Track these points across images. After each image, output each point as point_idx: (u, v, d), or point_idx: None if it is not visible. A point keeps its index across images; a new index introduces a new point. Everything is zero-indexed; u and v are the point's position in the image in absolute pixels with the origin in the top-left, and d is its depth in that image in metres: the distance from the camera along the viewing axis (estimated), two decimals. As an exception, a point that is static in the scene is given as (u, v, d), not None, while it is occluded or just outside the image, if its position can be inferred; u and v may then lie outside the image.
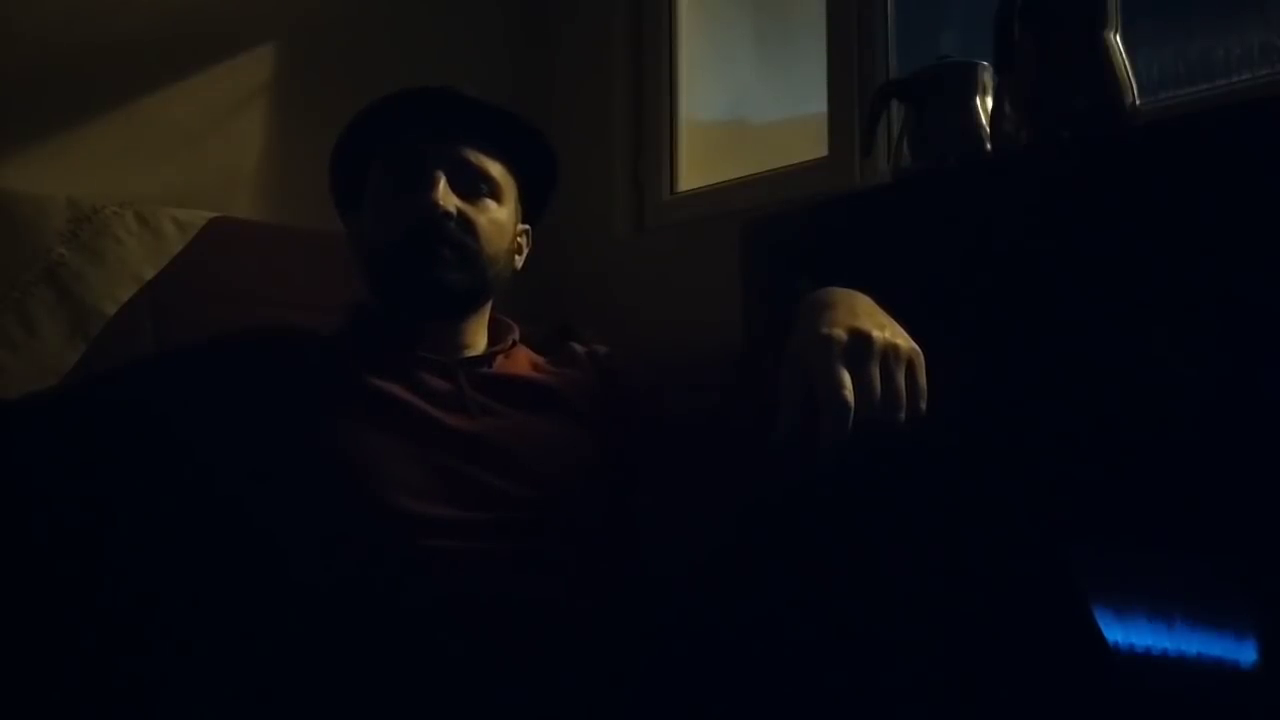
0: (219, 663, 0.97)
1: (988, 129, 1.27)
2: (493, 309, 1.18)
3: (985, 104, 1.29)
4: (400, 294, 1.10)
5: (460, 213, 1.07)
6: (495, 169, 1.12)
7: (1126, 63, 1.15)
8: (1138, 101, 1.15)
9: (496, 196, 1.12)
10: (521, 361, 1.16)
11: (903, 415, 0.78)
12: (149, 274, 1.44)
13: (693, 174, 1.96)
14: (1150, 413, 0.99)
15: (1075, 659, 0.75)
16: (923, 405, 0.80)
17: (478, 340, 1.15)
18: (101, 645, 0.97)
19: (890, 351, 0.80)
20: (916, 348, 0.82)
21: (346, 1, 1.88)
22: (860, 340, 0.79)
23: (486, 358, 1.13)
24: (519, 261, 1.20)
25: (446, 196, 1.06)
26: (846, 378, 0.77)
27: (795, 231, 1.37)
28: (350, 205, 1.16)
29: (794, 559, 0.79)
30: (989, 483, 0.79)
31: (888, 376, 0.79)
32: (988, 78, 1.30)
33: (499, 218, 1.12)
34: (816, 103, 1.72)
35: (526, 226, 1.21)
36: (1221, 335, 0.96)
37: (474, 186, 1.10)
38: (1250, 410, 0.94)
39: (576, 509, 1.04)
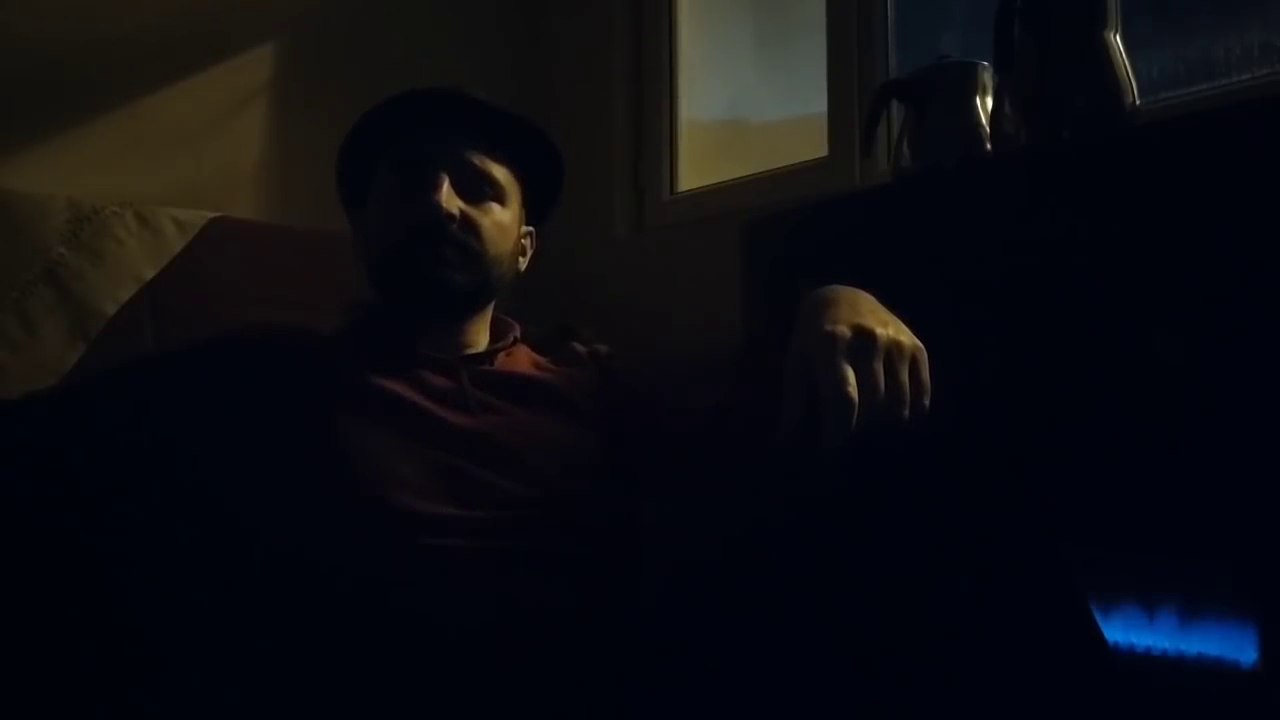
0: (220, 661, 0.97)
1: (988, 129, 1.27)
2: (494, 308, 1.18)
3: (985, 104, 1.29)
4: (404, 293, 1.10)
5: (463, 215, 1.08)
6: (499, 172, 1.13)
7: (1126, 63, 1.15)
8: (1138, 101, 1.15)
9: (500, 199, 1.12)
10: (523, 359, 1.16)
11: (906, 412, 0.78)
12: (149, 274, 1.44)
13: (693, 174, 1.97)
14: (1150, 411, 0.99)
15: (1075, 658, 0.75)
16: (926, 402, 0.80)
17: (479, 339, 1.15)
18: (102, 644, 0.97)
19: (893, 348, 0.79)
20: (920, 345, 0.82)
21: (346, 1, 1.88)
22: (863, 337, 0.79)
23: (488, 355, 1.13)
24: (523, 263, 1.20)
25: (449, 199, 1.07)
26: (850, 374, 0.77)
27: (795, 231, 1.37)
28: (356, 203, 1.17)
29: (796, 557, 0.79)
30: (992, 481, 0.79)
31: (891, 373, 0.78)
32: (988, 78, 1.30)
33: (502, 220, 1.12)
34: (816, 103, 1.72)
35: (531, 229, 1.21)
36: (1221, 335, 0.96)
37: (478, 189, 1.10)
38: (1250, 410, 0.94)
39: (577, 507, 1.04)
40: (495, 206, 1.12)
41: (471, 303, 1.12)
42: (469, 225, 1.08)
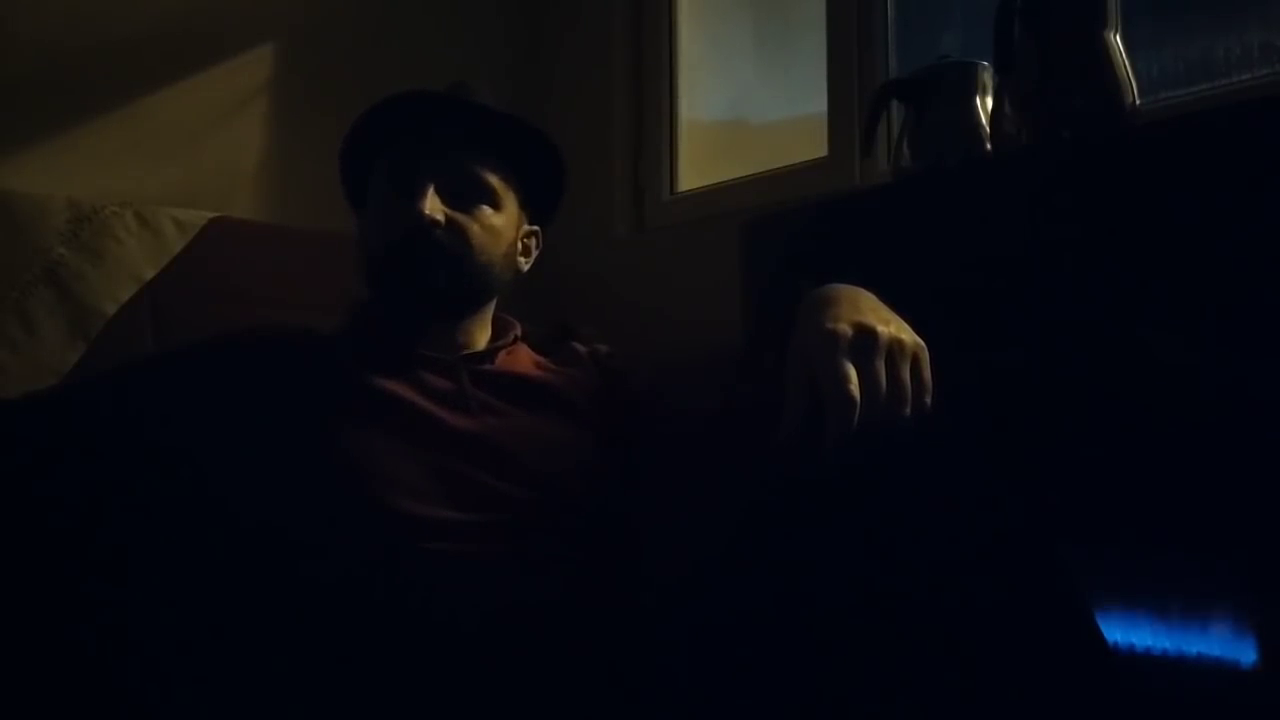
0: (217, 663, 0.97)
1: (988, 129, 1.27)
2: (495, 307, 1.18)
3: (985, 104, 1.29)
4: (395, 298, 1.10)
5: (451, 220, 1.07)
6: (492, 176, 1.12)
7: (1126, 63, 1.16)
8: (1138, 101, 1.16)
9: (493, 203, 1.12)
10: (523, 359, 1.16)
11: (908, 410, 0.78)
12: (149, 274, 1.44)
13: (693, 174, 1.97)
14: (1150, 411, 0.99)
15: (1075, 658, 0.75)
16: (928, 400, 0.80)
17: (479, 338, 1.15)
18: (100, 645, 0.97)
19: (895, 346, 0.79)
20: (921, 343, 0.82)
21: (346, 1, 1.88)
22: (865, 335, 0.79)
23: (488, 353, 1.13)
24: (525, 264, 1.19)
25: (434, 206, 1.06)
26: (852, 372, 0.76)
27: (795, 231, 1.37)
28: (360, 202, 1.17)
29: (798, 556, 0.79)
30: (992, 479, 0.79)
31: (893, 372, 0.78)
32: (988, 78, 1.30)
33: (494, 223, 1.11)
34: (816, 103, 1.72)
35: (535, 228, 1.21)
36: (1222, 334, 0.96)
37: (468, 195, 1.10)
38: (1250, 409, 0.94)
39: (576, 510, 1.04)
40: (487, 210, 1.11)
41: (463, 304, 1.12)
42: (456, 230, 1.08)
